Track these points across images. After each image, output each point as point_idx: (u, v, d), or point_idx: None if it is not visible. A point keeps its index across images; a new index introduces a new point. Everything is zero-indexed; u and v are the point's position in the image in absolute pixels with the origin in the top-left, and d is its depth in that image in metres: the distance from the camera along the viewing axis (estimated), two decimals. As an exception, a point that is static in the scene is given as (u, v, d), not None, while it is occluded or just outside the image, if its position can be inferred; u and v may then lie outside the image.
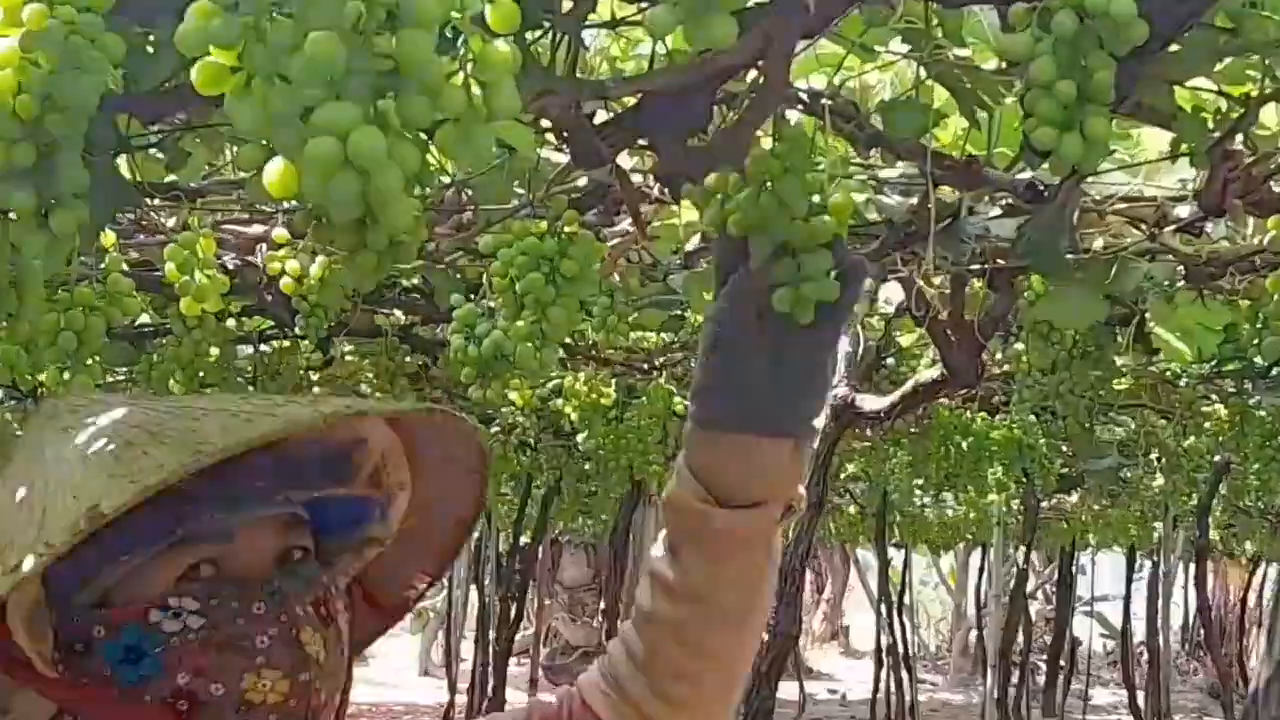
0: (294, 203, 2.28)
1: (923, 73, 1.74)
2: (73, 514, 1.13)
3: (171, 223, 2.42)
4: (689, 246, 2.78)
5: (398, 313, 4.23)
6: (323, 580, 1.28)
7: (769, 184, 1.66)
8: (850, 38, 1.82)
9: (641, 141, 1.65)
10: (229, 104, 0.98)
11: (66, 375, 2.03)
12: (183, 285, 2.22)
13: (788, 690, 13.22)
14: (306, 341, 4.14)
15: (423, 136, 1.02)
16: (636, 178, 2.28)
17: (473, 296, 2.64)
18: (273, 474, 1.24)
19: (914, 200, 2.15)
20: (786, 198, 1.61)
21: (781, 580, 4.05)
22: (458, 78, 0.99)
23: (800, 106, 1.82)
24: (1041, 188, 1.70)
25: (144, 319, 3.90)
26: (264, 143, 0.99)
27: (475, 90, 0.99)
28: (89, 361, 2.04)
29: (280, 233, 2.38)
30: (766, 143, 1.70)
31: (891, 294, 4.34)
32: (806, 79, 2.12)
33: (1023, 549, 9.57)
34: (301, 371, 4.53)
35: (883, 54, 1.83)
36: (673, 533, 1.37)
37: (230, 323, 3.77)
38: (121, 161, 2.35)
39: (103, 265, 2.17)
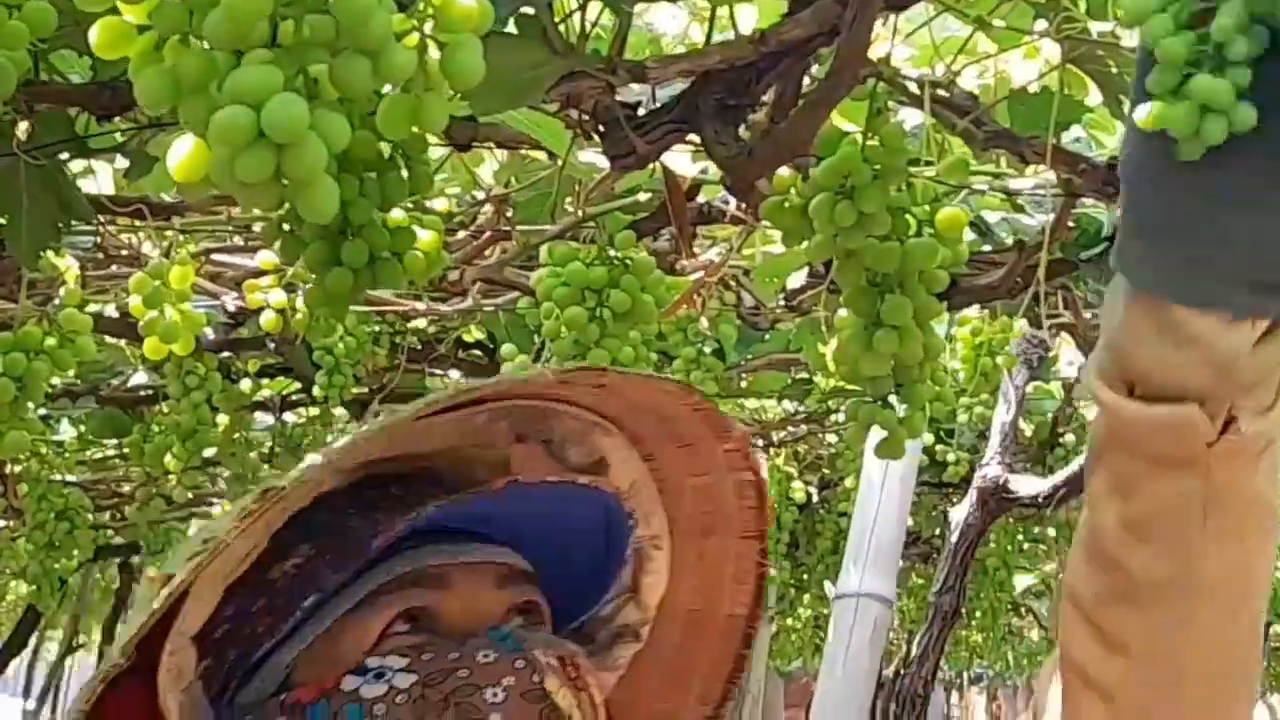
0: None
1: (1055, 51, 1.71)
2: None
3: (155, 252, 2.46)
4: (792, 283, 2.77)
5: (454, 374, 4.24)
6: (568, 645, 1.18)
7: (853, 193, 1.65)
8: (964, 9, 1.80)
9: (692, 137, 1.65)
10: (134, 71, 0.99)
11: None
12: (149, 323, 2.23)
13: None
14: (340, 409, 4.17)
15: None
16: (714, 194, 2.28)
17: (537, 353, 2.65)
18: (493, 517, 1.21)
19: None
20: (867, 209, 1.59)
21: (900, 705, 3.98)
22: (411, 38, 0.99)
23: (905, 99, 1.81)
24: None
25: (140, 378, 3.95)
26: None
27: (432, 53, 0.99)
28: (26, 416, 2.05)
29: (266, 258, 2.40)
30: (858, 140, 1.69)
31: (1075, 355, 4.28)
32: (931, 69, 2.09)
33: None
34: (332, 448, 4.56)
35: (1003, 31, 1.81)
36: (1091, 447, 1.16)
37: (244, 384, 3.82)
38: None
39: (59, 298, 2.20)
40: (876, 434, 1.75)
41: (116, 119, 1.80)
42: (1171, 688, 1.12)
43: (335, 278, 1.29)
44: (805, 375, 4.37)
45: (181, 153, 0.97)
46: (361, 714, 1.09)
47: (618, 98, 1.62)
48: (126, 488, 5.22)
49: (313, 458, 1.10)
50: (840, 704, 3.53)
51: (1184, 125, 0.99)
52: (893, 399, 1.75)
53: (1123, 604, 1.11)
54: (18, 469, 4.20)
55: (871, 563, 3.60)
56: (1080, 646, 1.15)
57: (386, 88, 1.02)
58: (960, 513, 4.08)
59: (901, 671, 3.98)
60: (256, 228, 2.68)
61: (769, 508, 1.36)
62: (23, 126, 1.81)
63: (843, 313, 1.76)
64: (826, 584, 4.34)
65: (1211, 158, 0.99)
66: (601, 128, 1.64)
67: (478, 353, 4.04)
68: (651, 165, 1.81)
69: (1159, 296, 1.04)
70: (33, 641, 7.35)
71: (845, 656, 3.49)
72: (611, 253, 2.10)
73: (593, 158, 2.14)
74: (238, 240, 2.84)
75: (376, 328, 3.53)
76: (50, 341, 2.09)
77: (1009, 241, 2.32)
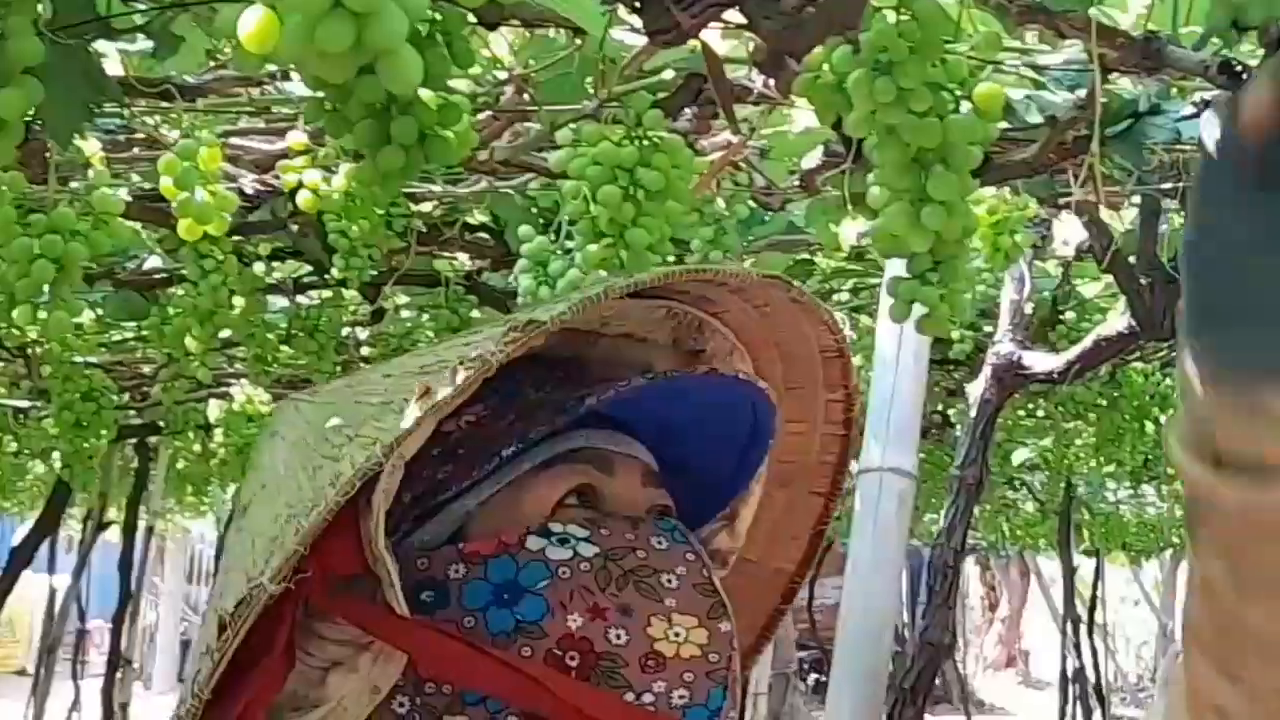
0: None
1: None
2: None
3: (175, 135, 2.42)
4: (807, 163, 2.72)
5: (462, 256, 4.22)
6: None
7: (891, 68, 1.62)
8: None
9: (733, 13, 1.61)
10: (192, -59, 0.96)
11: (43, 313, 2.03)
12: (181, 204, 2.21)
13: (951, 727, 13.15)
14: (352, 292, 4.15)
15: None
16: (738, 73, 2.24)
17: (555, 236, 2.62)
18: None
19: (1083, 92, 2.09)
20: (906, 84, 1.56)
21: (932, 577, 4.01)
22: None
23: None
24: (1239, 68, 1.64)
25: (154, 262, 3.94)
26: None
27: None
28: (68, 296, 2.05)
29: (298, 138, 2.36)
30: (891, 17, 1.66)
31: (1070, 235, 4.27)
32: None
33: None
34: (346, 329, 4.56)
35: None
36: (1188, 503, 1.08)
37: (258, 267, 3.79)
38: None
39: (88, 179, 2.18)
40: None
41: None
42: None
43: (387, 155, 1.26)
44: (807, 256, 4.35)
45: (252, 22, 0.92)
46: (548, 573, 1.09)
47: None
48: (146, 369, 5.24)
49: (549, 308, 1.08)
50: (871, 577, 3.54)
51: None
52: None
53: (1248, 652, 1.03)
54: (40, 350, 4.20)
55: (893, 438, 3.59)
56: (1207, 681, 1.09)
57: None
58: (977, 389, 4.11)
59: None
60: (277, 109, 2.64)
61: (845, 469, 1.35)
62: (43, 7, 1.77)
63: (875, 190, 1.73)
64: (850, 460, 4.33)
65: None
66: (639, 3, 1.60)
67: (484, 235, 4.01)
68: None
69: (1245, 378, 0.94)
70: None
71: (874, 530, 3.50)
72: (640, 132, 2.06)
73: (620, 35, 2.11)
74: (257, 123, 2.80)
75: (387, 210, 3.50)
76: (83, 224, 2.07)
77: (1030, 119, 2.28)
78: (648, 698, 1.08)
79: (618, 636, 1.08)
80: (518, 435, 1.14)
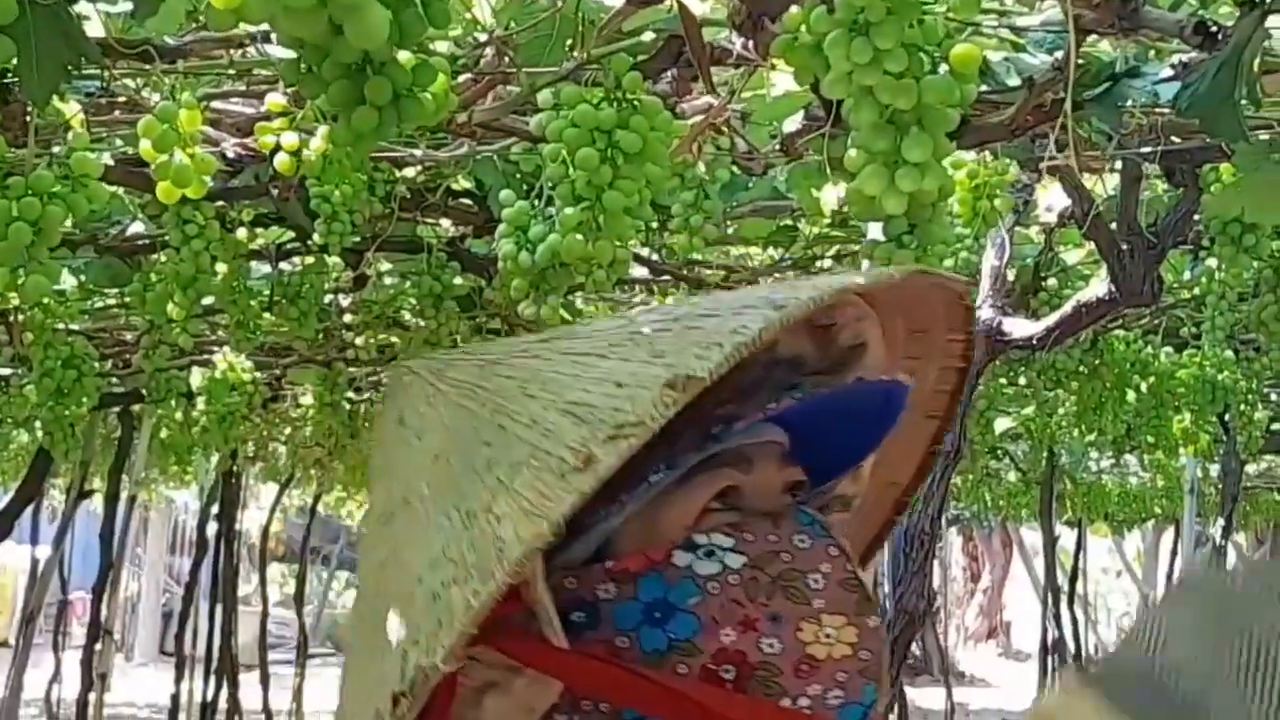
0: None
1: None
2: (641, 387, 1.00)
3: (156, 99, 2.42)
4: (787, 127, 2.73)
5: (444, 223, 4.21)
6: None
7: (868, 29, 1.62)
8: None
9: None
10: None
11: (21, 277, 2.04)
12: (160, 166, 2.21)
13: (933, 698, 13.17)
14: (335, 259, 4.15)
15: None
16: (718, 34, 2.24)
17: (537, 200, 2.62)
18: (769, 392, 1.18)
19: (1061, 55, 2.10)
20: (882, 44, 1.57)
21: (908, 543, 4.02)
22: None
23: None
24: (1214, 29, 1.64)
25: (137, 228, 3.93)
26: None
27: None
28: (46, 260, 2.05)
29: (276, 99, 2.36)
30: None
31: (1053, 201, 4.27)
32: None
33: (1220, 523, 9.33)
34: (329, 296, 4.55)
35: None
36: None
37: (240, 233, 3.79)
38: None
39: (66, 141, 2.17)
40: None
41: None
42: None
43: (361, 116, 1.26)
44: (790, 222, 4.35)
45: (223, -22, 0.93)
46: (697, 590, 1.09)
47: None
48: (129, 336, 5.24)
49: (705, 358, 1.02)
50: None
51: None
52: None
53: None
54: (22, 317, 4.19)
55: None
56: None
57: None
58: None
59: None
60: (258, 72, 2.64)
61: (960, 398, 1.36)
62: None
63: (853, 153, 1.74)
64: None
65: None
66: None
67: (467, 201, 4.01)
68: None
69: None
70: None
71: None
72: (619, 94, 2.06)
73: (602, -5, 2.11)
74: (238, 86, 2.79)
75: (370, 175, 3.50)
76: (62, 187, 2.07)
77: (1008, 82, 2.29)
78: (804, 701, 1.09)
79: (770, 646, 1.08)
80: (664, 458, 1.12)
